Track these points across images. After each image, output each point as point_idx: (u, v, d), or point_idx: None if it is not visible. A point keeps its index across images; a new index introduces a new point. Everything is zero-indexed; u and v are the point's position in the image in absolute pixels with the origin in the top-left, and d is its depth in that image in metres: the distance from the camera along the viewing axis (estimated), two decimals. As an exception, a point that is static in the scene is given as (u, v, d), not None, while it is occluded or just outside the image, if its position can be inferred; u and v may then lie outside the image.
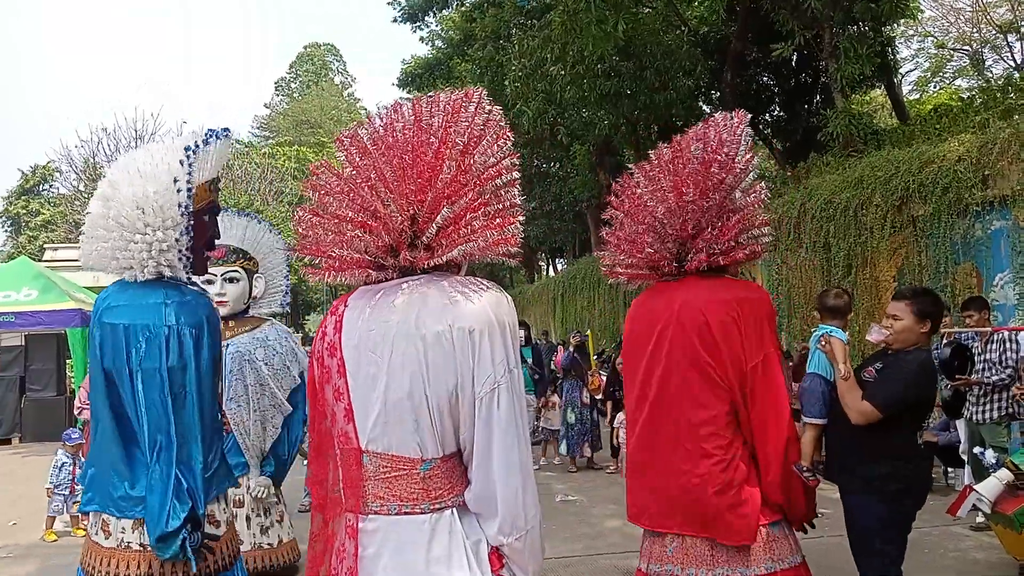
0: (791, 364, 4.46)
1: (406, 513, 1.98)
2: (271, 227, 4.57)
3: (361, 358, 2.01)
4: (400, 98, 31.00)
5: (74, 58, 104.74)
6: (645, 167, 3.25)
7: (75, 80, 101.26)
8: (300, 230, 2.12)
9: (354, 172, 2.03)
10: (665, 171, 3.13)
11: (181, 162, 2.78)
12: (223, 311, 4.21)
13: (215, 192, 3.07)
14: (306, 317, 50.05)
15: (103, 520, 2.82)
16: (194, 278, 4.11)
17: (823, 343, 3.51)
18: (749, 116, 3.20)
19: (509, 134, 2.07)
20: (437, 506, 1.98)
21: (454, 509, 2.00)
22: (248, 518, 4.14)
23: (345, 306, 2.11)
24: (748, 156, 3.11)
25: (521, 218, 2.07)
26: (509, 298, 2.08)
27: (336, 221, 2.03)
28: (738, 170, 3.07)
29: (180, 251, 2.84)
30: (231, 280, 4.25)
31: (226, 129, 3.00)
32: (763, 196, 3.15)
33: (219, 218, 4.33)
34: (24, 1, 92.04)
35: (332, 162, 2.16)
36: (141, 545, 2.73)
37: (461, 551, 1.95)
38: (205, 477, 2.79)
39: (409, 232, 2.00)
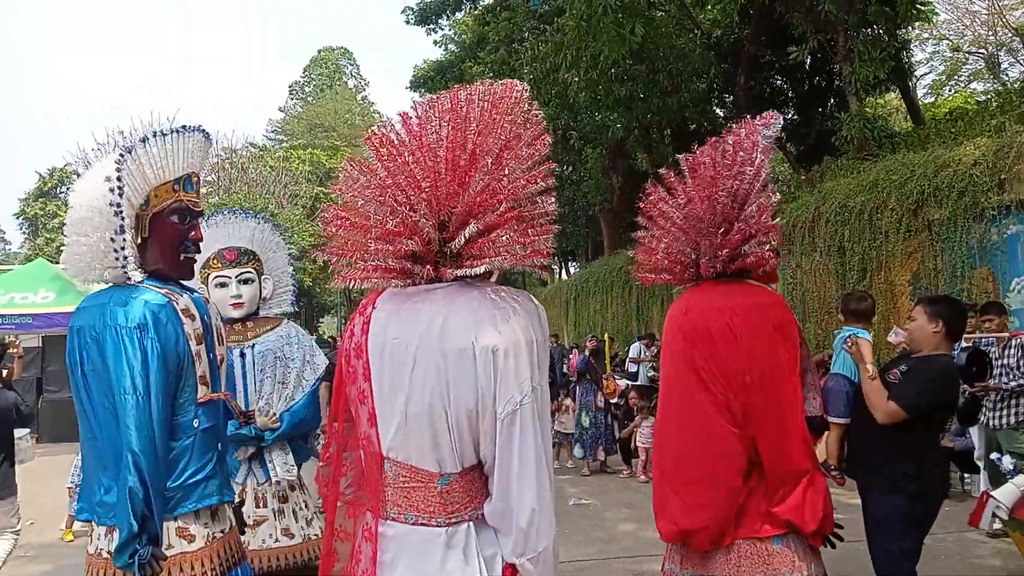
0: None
1: (422, 524, 1.95)
2: (275, 226, 4.56)
3: (384, 364, 1.97)
4: (413, 99, 31.07)
5: (74, 58, 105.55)
6: (688, 163, 3.20)
7: (75, 80, 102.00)
8: (329, 230, 2.05)
9: (384, 174, 1.96)
10: (691, 174, 3.13)
11: (116, 160, 2.69)
12: (238, 313, 4.19)
13: (189, 192, 2.92)
14: (320, 319, 50.25)
15: (92, 526, 2.77)
16: (195, 281, 4.12)
17: (849, 344, 3.56)
18: (780, 120, 3.14)
19: (547, 138, 2.02)
20: (453, 520, 1.95)
21: (471, 523, 1.97)
22: (294, 512, 4.13)
23: (373, 307, 2.06)
24: (760, 161, 3.04)
25: (555, 228, 2.03)
26: (542, 311, 2.01)
27: (364, 225, 1.98)
28: (748, 177, 3.00)
29: (115, 251, 2.70)
30: (245, 281, 4.23)
31: (198, 127, 2.91)
32: (772, 202, 3.06)
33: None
34: (24, 1, 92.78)
35: (358, 160, 2.10)
36: (109, 553, 2.63)
37: (475, 566, 1.93)
38: (169, 487, 2.68)
39: (437, 241, 1.93)
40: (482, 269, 1.91)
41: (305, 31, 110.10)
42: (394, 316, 2.00)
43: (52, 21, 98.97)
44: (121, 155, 2.72)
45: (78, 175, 3.18)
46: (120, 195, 2.67)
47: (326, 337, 31.46)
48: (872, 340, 3.71)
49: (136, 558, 2.51)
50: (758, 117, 3.13)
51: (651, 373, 12.46)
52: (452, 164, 1.92)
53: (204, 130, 2.97)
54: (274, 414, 4.20)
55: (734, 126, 3.15)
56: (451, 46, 28.78)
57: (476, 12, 23.88)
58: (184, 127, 2.89)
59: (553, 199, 2.05)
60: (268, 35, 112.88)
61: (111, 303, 2.71)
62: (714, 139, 3.13)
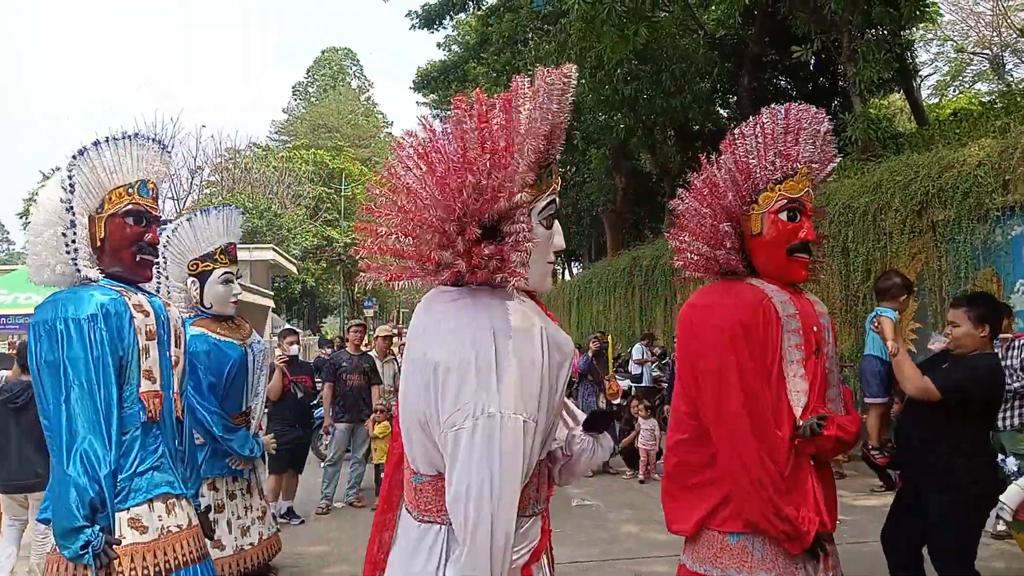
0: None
1: (408, 512, 2.03)
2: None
3: (406, 370, 2.05)
4: (418, 102, 31.15)
5: (75, 57, 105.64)
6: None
7: (76, 80, 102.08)
8: (374, 228, 1.98)
9: (414, 180, 1.91)
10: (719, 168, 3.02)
11: (69, 161, 2.83)
12: (232, 311, 4.18)
13: (144, 197, 2.98)
14: (323, 320, 50.26)
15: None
16: (182, 272, 4.10)
17: (875, 324, 3.58)
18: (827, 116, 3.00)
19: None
20: (426, 519, 1.96)
21: (443, 527, 1.91)
22: (229, 522, 4.06)
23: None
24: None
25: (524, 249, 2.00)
26: (553, 333, 1.95)
27: (401, 226, 1.96)
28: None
29: (66, 245, 2.81)
30: (238, 278, 4.27)
31: (154, 138, 3.01)
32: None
33: (231, 215, 4.25)
34: (24, 1, 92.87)
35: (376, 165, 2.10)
36: (55, 547, 2.67)
37: (435, 567, 1.89)
38: (119, 476, 2.71)
39: (463, 248, 1.88)
40: (500, 279, 1.90)
41: (305, 31, 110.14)
42: (418, 315, 2.07)
43: (53, 21, 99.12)
44: (74, 156, 2.82)
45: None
46: (72, 192, 2.79)
47: (329, 337, 31.45)
48: (897, 319, 3.72)
49: (90, 548, 2.53)
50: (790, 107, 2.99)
51: (655, 373, 12.48)
52: (485, 172, 1.86)
53: (160, 141, 3.05)
54: (269, 436, 4.23)
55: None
56: (454, 47, 28.80)
57: (479, 13, 23.87)
58: (138, 135, 2.98)
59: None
60: (268, 35, 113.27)
61: (63, 297, 2.78)
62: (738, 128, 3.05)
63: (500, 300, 1.93)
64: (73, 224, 2.80)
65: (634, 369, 12.71)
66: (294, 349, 7.77)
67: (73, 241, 2.81)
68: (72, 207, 2.80)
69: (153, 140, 3.01)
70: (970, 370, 3.42)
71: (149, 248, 2.98)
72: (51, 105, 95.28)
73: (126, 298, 2.84)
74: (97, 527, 2.56)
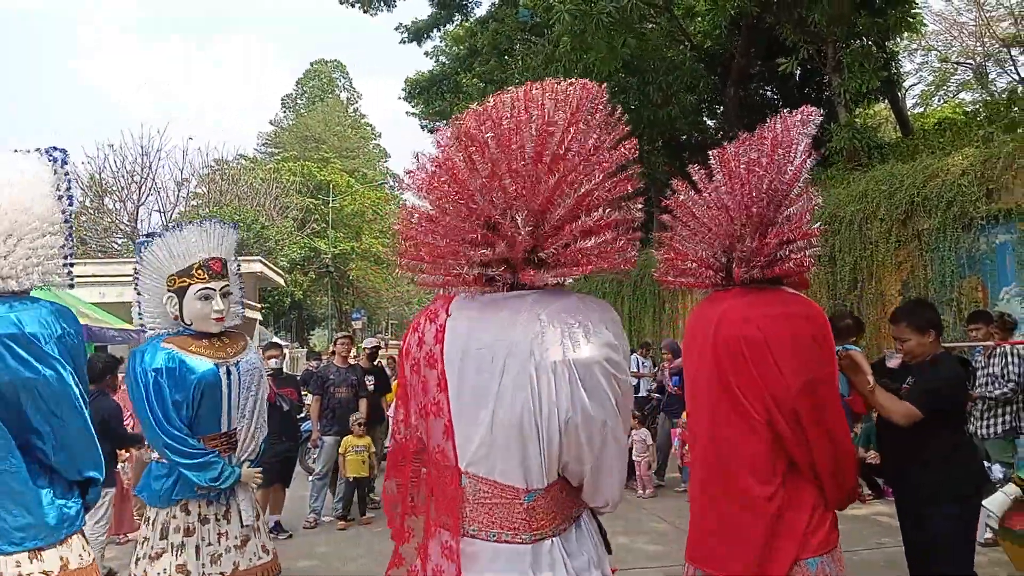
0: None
1: (506, 542, 1.89)
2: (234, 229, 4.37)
3: (466, 374, 1.90)
4: (407, 112, 31.16)
5: (74, 60, 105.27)
6: (715, 160, 2.98)
7: (74, 80, 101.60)
8: (411, 235, 1.95)
9: (468, 175, 1.86)
10: (722, 172, 2.92)
11: (55, 170, 2.78)
12: (217, 328, 3.96)
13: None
14: (311, 332, 50.09)
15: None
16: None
17: (842, 359, 3.54)
18: (821, 115, 2.90)
19: (634, 141, 1.99)
20: (538, 536, 1.89)
21: (555, 539, 1.91)
22: (197, 547, 3.84)
23: (447, 314, 1.97)
24: (800, 162, 2.83)
25: (639, 234, 2.00)
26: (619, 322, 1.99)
27: (451, 232, 1.89)
28: (788, 177, 2.81)
29: (65, 257, 2.82)
30: (226, 295, 3.98)
31: (62, 149, 2.93)
32: (812, 205, 2.87)
33: (213, 228, 4.06)
34: (25, 2, 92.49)
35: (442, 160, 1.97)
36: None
37: None
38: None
39: (530, 247, 1.86)
40: (577, 275, 1.88)
41: (307, 35, 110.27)
42: (477, 323, 1.91)
43: (52, 23, 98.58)
44: (62, 166, 2.83)
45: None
46: (70, 203, 2.83)
47: (317, 350, 31.31)
48: (863, 351, 3.73)
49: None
50: (796, 112, 2.89)
51: (652, 385, 12.30)
52: (547, 167, 1.84)
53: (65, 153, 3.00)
54: (256, 469, 4.06)
55: (771, 120, 2.92)
56: (442, 58, 28.86)
57: (467, 24, 23.95)
58: (62, 150, 2.93)
59: (640, 204, 2.01)
60: (266, 41, 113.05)
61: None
62: (747, 135, 2.92)
63: (585, 296, 1.97)
64: (71, 237, 2.87)
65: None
66: (272, 363, 7.72)
67: (71, 255, 2.87)
68: (71, 217, 2.85)
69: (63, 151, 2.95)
70: (933, 380, 3.45)
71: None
72: (52, 105, 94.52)
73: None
74: None
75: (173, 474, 3.82)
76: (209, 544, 3.87)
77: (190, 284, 3.93)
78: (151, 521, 3.85)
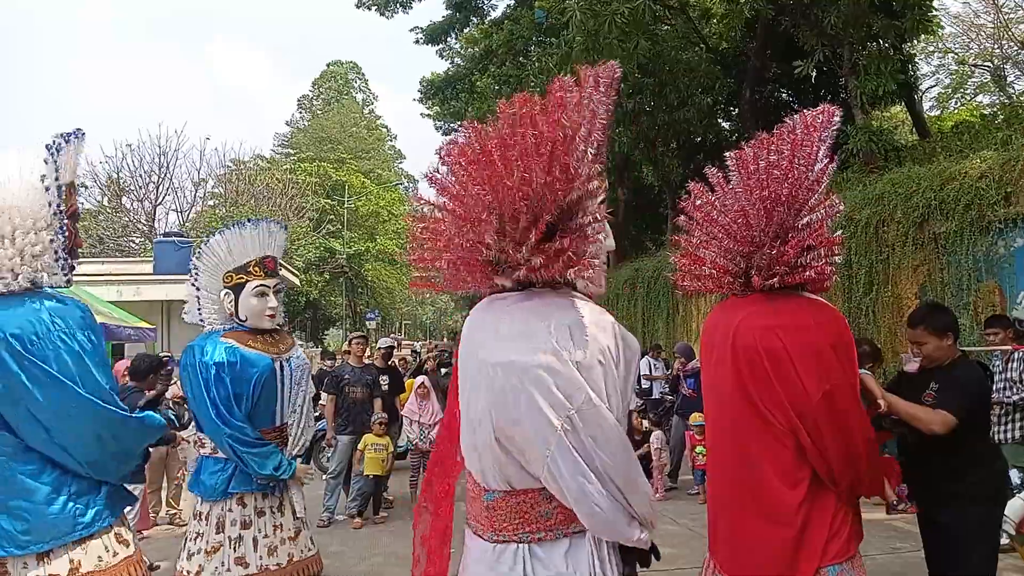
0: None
1: (477, 535, 2.00)
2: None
3: (468, 372, 2.00)
4: (422, 114, 31.24)
5: (75, 62, 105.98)
6: (732, 162, 2.90)
7: (72, 83, 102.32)
8: (423, 234, 2.04)
9: (487, 172, 1.89)
10: (739, 175, 2.85)
11: (46, 160, 2.66)
12: (270, 324, 4.08)
13: (75, 197, 2.91)
14: (325, 332, 50.24)
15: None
16: (214, 283, 4.07)
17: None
18: (840, 115, 2.81)
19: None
20: (500, 538, 1.93)
21: (522, 545, 1.92)
22: (255, 539, 3.90)
23: (471, 315, 2.12)
24: (823, 166, 2.75)
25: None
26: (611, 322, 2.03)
27: (467, 223, 1.93)
28: (811, 181, 2.74)
29: (56, 252, 2.71)
30: (278, 292, 4.14)
31: (79, 130, 2.84)
32: (835, 211, 2.79)
33: (268, 227, 4.19)
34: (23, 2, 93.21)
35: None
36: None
37: None
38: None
39: (537, 241, 1.88)
40: (584, 273, 1.93)
41: (309, 46, 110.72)
42: (484, 323, 2.02)
43: (50, 26, 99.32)
44: (52, 155, 2.70)
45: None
46: (60, 195, 2.73)
47: (331, 350, 31.42)
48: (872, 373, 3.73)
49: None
50: (814, 111, 2.79)
51: (665, 387, 12.25)
52: (557, 159, 1.88)
53: (82, 133, 2.92)
54: (307, 466, 4.12)
55: (791, 121, 2.84)
56: (457, 59, 28.89)
57: (483, 26, 23.99)
58: (79, 131, 2.86)
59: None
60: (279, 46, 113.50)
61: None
62: (766, 135, 2.84)
63: (577, 297, 1.99)
64: (64, 231, 2.80)
65: (642, 383, 12.55)
66: None
67: (65, 248, 2.79)
68: (62, 210, 2.76)
69: (80, 132, 2.87)
70: (962, 386, 3.41)
71: (76, 252, 2.94)
72: (53, 108, 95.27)
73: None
74: None
75: (228, 467, 3.89)
76: (266, 536, 3.95)
77: (247, 281, 4.03)
78: (203, 516, 3.89)
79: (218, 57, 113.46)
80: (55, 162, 2.68)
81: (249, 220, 4.20)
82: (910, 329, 3.62)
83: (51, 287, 2.77)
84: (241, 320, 4.03)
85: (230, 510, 3.89)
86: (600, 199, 2.01)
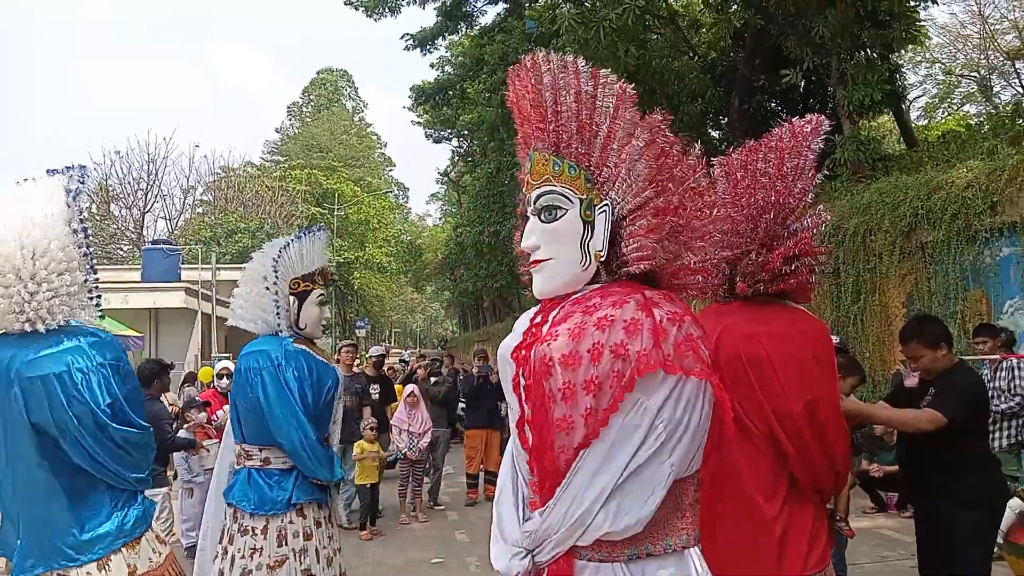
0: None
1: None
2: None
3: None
4: (412, 121, 31.29)
5: (71, 63, 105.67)
6: (719, 169, 2.90)
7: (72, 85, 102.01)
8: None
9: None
10: (729, 182, 2.86)
11: (68, 204, 2.88)
12: (320, 334, 4.12)
13: None
14: (315, 340, 50.07)
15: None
16: (266, 293, 4.07)
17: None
18: (826, 124, 2.83)
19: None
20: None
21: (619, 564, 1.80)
22: (317, 551, 3.81)
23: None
24: (811, 175, 2.77)
25: None
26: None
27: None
28: (799, 189, 2.75)
29: (90, 290, 2.95)
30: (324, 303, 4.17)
31: (83, 168, 3.07)
32: (821, 221, 2.80)
33: (324, 237, 4.22)
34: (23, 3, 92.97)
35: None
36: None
37: None
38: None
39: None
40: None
41: (309, 46, 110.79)
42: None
43: (50, 26, 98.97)
44: (74, 199, 2.94)
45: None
46: (86, 236, 2.98)
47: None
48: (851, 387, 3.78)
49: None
50: (803, 120, 2.82)
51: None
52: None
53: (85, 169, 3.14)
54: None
55: (778, 129, 2.85)
56: (447, 68, 28.97)
57: (473, 34, 24.07)
58: (83, 167, 3.08)
59: None
60: (276, 52, 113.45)
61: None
62: (752, 143, 2.86)
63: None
64: (94, 269, 3.04)
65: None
66: None
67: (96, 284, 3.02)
68: (91, 250, 3.00)
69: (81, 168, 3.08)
70: (956, 391, 3.44)
71: None
72: (49, 112, 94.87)
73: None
74: None
75: (290, 479, 3.81)
76: (324, 547, 3.89)
77: (312, 289, 4.03)
78: (257, 530, 3.74)
79: (218, 57, 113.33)
80: (78, 205, 2.91)
81: (312, 227, 4.24)
82: (903, 345, 3.64)
83: (78, 322, 2.98)
84: (300, 328, 4.02)
85: (291, 522, 3.78)
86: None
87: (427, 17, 27.97)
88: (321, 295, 4.08)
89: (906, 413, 3.39)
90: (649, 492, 1.71)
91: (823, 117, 2.83)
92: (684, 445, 1.73)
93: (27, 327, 2.81)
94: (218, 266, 25.17)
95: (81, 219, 2.91)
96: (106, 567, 2.83)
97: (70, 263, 2.85)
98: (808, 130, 2.78)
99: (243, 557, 3.70)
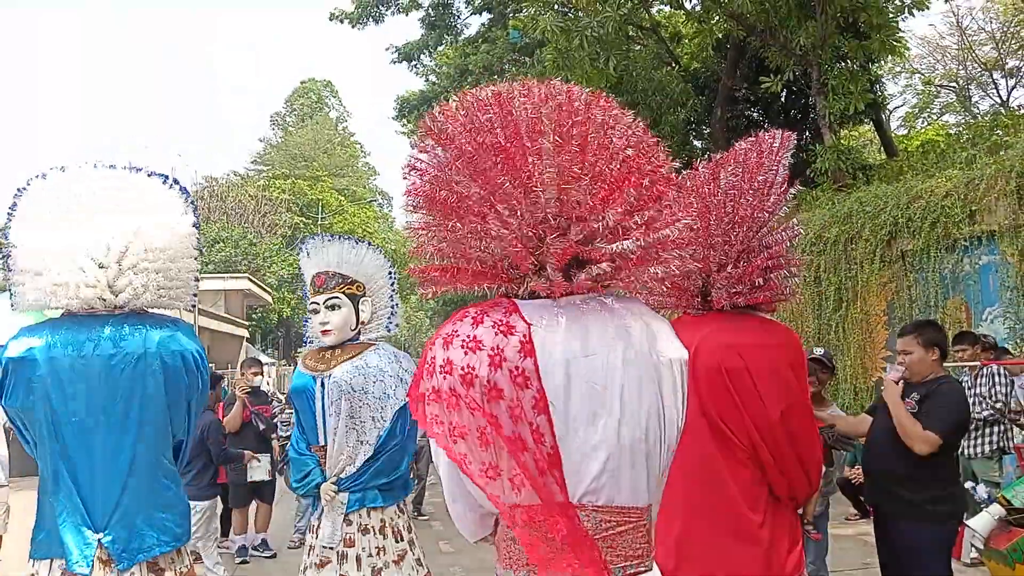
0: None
1: (631, 573, 1.69)
2: (371, 246, 4.37)
3: (574, 391, 1.63)
4: (397, 131, 31.24)
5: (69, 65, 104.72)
6: (686, 183, 2.88)
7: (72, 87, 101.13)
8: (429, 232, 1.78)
9: (503, 163, 1.72)
10: (698, 196, 2.84)
11: (186, 203, 3.10)
12: (329, 340, 4.04)
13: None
14: (298, 350, 49.88)
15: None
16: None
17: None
18: (793, 139, 2.87)
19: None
20: (650, 563, 1.73)
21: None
22: (358, 558, 3.81)
23: (526, 323, 1.65)
24: (783, 188, 2.79)
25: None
26: None
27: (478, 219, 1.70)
28: (771, 203, 2.77)
29: (195, 281, 3.11)
30: (333, 307, 4.05)
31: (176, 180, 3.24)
32: (795, 234, 2.82)
33: (317, 245, 4.26)
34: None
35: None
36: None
37: None
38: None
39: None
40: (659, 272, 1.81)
41: (309, 45, 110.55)
42: (575, 331, 1.67)
43: (50, 26, 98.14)
44: (183, 191, 3.24)
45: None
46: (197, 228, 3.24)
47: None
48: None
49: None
50: (771, 135, 2.85)
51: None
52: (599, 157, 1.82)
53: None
54: (336, 489, 3.94)
55: (746, 142, 2.88)
56: (432, 77, 28.98)
57: (458, 45, 24.12)
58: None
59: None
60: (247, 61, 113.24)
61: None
62: (718, 157, 2.88)
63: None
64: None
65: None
66: (257, 380, 7.64)
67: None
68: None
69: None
70: (948, 407, 3.48)
71: None
72: (47, 113, 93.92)
73: None
74: None
75: (340, 485, 3.93)
76: (369, 556, 3.85)
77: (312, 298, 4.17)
78: (315, 529, 3.93)
79: (218, 57, 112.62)
80: (191, 204, 3.15)
81: (314, 236, 4.35)
82: (900, 338, 3.73)
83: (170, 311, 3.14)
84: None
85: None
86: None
87: (411, 24, 28.00)
88: (311, 304, 4.12)
89: (906, 419, 3.45)
90: None
91: (790, 133, 2.87)
92: None
93: (159, 306, 2.91)
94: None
95: (195, 219, 3.13)
96: (181, 553, 2.86)
97: (193, 250, 3.08)
98: (775, 146, 2.81)
99: (306, 553, 3.97)
